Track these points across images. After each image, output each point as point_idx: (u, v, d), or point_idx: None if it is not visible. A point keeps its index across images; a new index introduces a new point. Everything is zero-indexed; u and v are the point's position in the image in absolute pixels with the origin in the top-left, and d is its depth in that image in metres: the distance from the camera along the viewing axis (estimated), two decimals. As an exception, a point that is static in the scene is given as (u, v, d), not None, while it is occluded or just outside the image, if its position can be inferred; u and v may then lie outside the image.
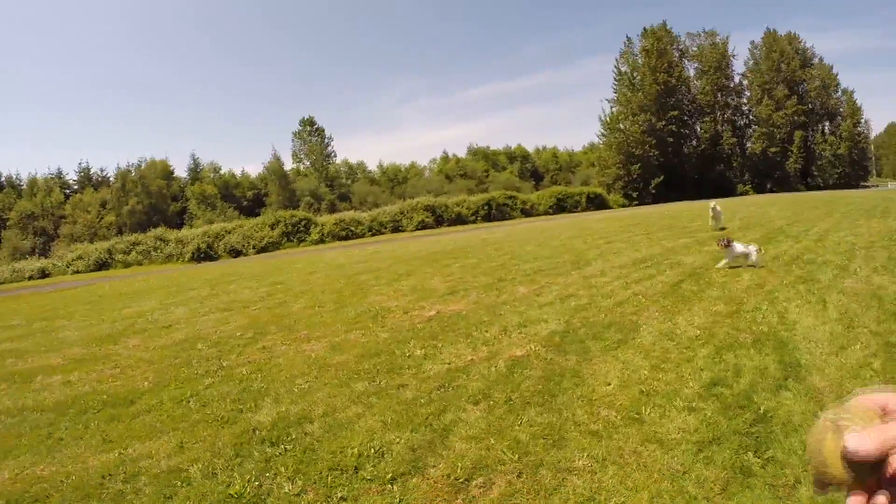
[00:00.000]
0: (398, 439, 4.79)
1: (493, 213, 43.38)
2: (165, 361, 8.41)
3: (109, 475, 4.75)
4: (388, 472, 4.27)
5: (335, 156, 64.58)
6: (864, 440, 0.81)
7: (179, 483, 4.48)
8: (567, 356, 6.42)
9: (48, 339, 11.29)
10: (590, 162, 70.93)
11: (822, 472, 0.85)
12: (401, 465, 4.34)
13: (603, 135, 63.79)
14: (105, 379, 7.83)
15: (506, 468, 4.10)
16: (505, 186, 56.25)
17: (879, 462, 0.81)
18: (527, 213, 45.97)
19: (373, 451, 4.64)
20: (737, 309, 7.78)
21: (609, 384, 5.45)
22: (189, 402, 6.42)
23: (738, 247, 10.63)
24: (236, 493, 4.22)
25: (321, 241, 34.91)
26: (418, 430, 4.93)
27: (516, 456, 4.25)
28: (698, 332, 6.93)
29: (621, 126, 61.74)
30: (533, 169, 77.37)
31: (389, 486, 4.09)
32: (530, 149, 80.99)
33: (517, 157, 78.31)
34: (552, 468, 4.04)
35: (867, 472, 0.82)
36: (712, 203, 14.70)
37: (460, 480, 4.02)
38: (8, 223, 45.64)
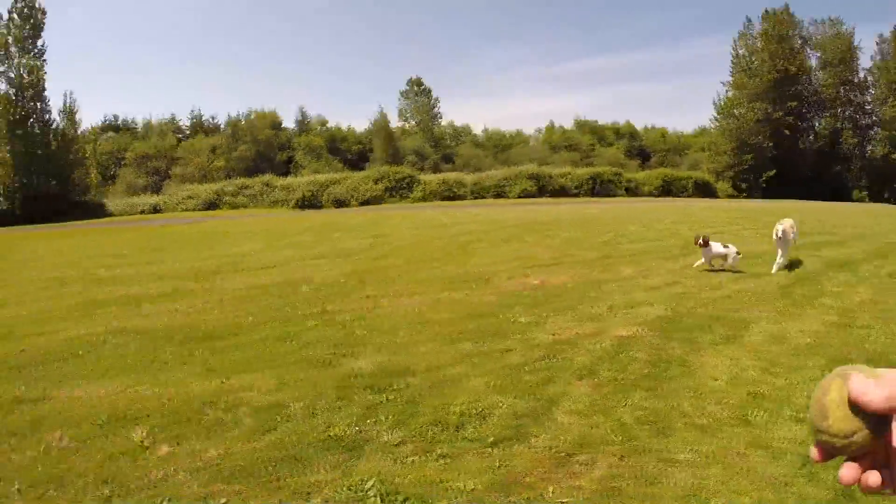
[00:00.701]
0: (501, 404, 4.72)
1: (598, 188, 42.52)
2: (269, 300, 8.71)
3: (210, 402, 4.93)
4: (490, 435, 4.20)
5: (441, 117, 64.74)
6: (870, 385, 0.78)
7: (279, 418, 4.56)
8: (674, 344, 6.15)
9: (156, 269, 12.05)
10: (699, 146, 67.03)
11: (820, 427, 0.82)
12: (503, 431, 4.27)
13: (716, 119, 60.25)
14: (209, 311, 8.22)
15: (609, 449, 3.98)
16: (610, 163, 54.34)
17: (881, 425, 0.78)
18: (631, 192, 44.56)
19: (475, 411, 4.59)
20: (849, 323, 7.06)
21: (717, 379, 5.20)
22: (291, 341, 6.58)
23: (717, 247, 9.83)
24: (335, 436, 4.24)
25: (423, 199, 35.33)
26: (522, 397, 4.85)
27: (620, 438, 4.12)
28: (809, 340, 6.36)
29: (735, 112, 58.02)
30: (640, 148, 74.30)
31: (490, 449, 4.02)
32: (638, 126, 77.73)
33: (624, 133, 75.53)
34: (655, 456, 3.88)
35: (867, 435, 0.79)
36: (780, 226, 9.79)
37: (562, 454, 3.92)
38: (124, 162, 49.21)
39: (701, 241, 9.71)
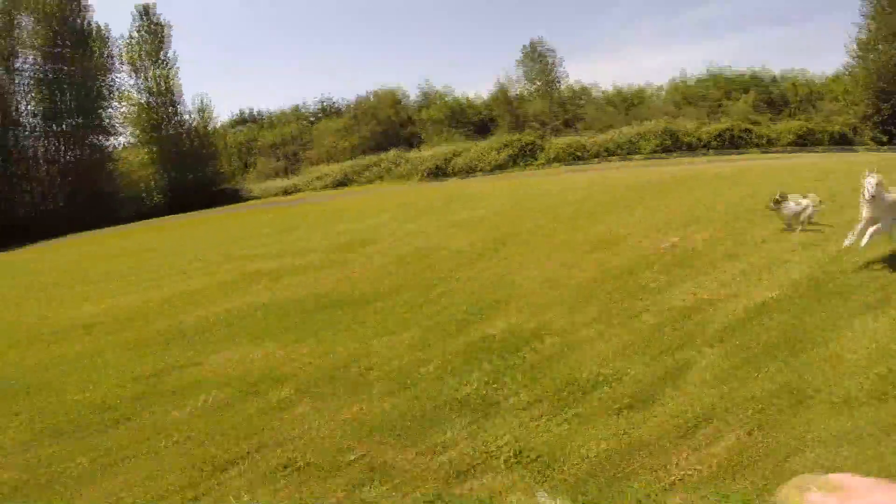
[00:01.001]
0: (632, 369, 4.63)
1: (728, 144, 39.89)
2: (405, 268, 9.06)
3: (350, 364, 5.27)
4: (620, 399, 4.15)
5: (564, 78, 62.78)
6: None
7: (414, 379, 4.77)
8: (811, 312, 5.61)
9: (295, 245, 12.82)
10: (833, 95, 59.72)
11: None
12: (633, 395, 4.20)
13: (852, 64, 53.02)
14: (348, 280, 8.70)
15: (738, 422, 3.78)
16: (740, 116, 50.28)
17: None
18: (763, 147, 41.31)
19: (605, 375, 4.54)
20: None
21: (855, 353, 4.70)
22: (426, 306, 6.85)
23: (791, 206, 8.14)
24: (468, 395, 4.36)
25: (550, 163, 34.96)
26: (653, 362, 4.72)
27: (749, 411, 3.89)
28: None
29: (872, 56, 50.71)
30: (771, 99, 67.49)
31: (618, 414, 3.98)
32: (770, 75, 70.74)
33: (754, 84, 68.94)
34: (785, 433, 3.63)
35: None
36: (871, 179, 6.81)
37: (690, 425, 3.79)
38: (258, 150, 52.63)
39: (773, 202, 8.41)
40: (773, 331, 5.20)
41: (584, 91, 61.90)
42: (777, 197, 8.35)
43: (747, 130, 41.92)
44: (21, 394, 5.96)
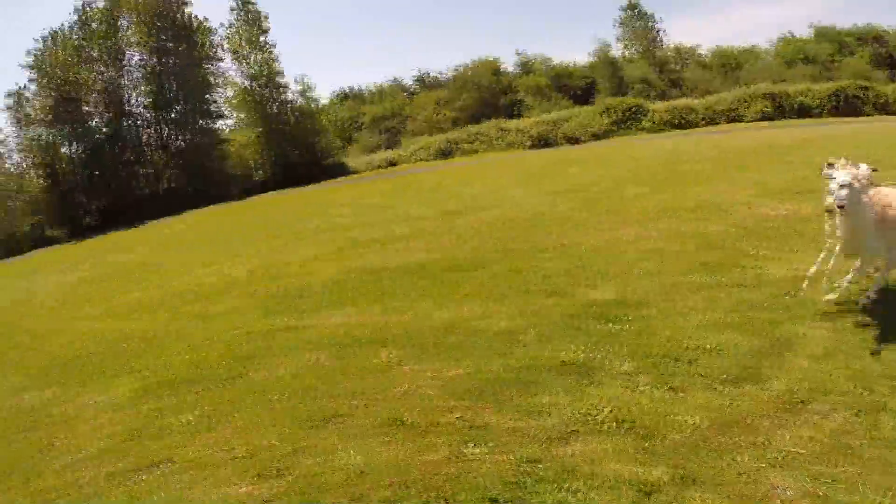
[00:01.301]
0: (735, 341, 4.48)
1: (842, 105, 36.40)
2: (506, 235, 9.10)
3: (451, 328, 5.40)
4: (723, 372, 4.05)
5: (665, 40, 59.70)
6: None
7: (514, 344, 4.83)
8: None
9: (400, 214, 13.12)
10: None
11: None
12: (736, 369, 4.09)
13: None
14: (450, 248, 8.87)
15: (845, 401, 3.61)
16: (854, 75, 45.66)
17: None
18: (882, 107, 37.24)
19: (708, 347, 4.43)
20: None
21: None
22: (528, 273, 6.86)
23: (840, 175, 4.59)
24: (568, 361, 4.37)
25: (654, 129, 33.63)
26: (757, 335, 4.55)
27: (859, 391, 3.71)
28: None
29: None
30: (888, 55, 60.42)
31: (723, 386, 3.89)
32: (885, 29, 63.17)
33: (869, 38, 61.95)
34: (895, 416, 3.43)
35: None
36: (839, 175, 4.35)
37: (795, 401, 3.65)
38: (361, 125, 54.06)
39: (826, 168, 5.69)
40: (885, 305, 4.88)
41: (687, 52, 58.65)
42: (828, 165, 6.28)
43: (864, 88, 38.14)
44: (135, 352, 6.61)
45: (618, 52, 57.53)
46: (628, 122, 34.52)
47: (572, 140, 33.21)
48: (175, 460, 3.87)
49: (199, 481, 3.55)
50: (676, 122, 34.65)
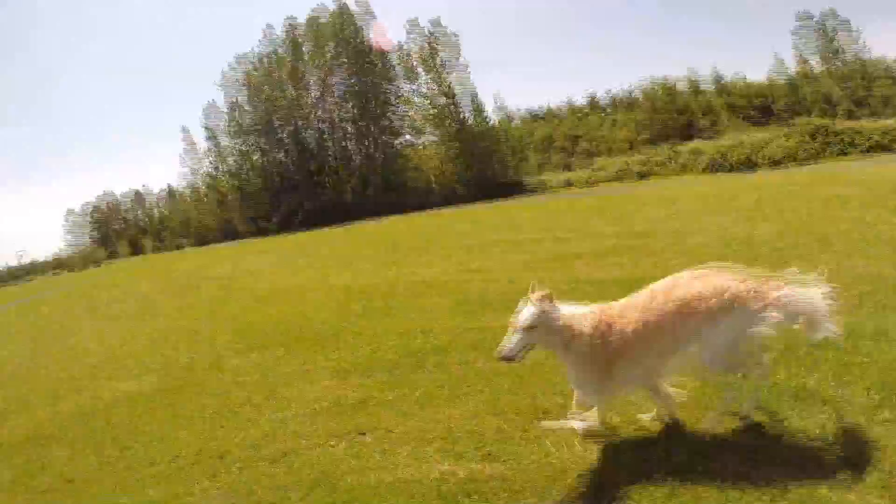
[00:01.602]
0: None
1: None
2: (705, 254, 8.72)
3: None
4: None
5: (848, 51, 52.15)
6: None
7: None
8: None
9: (584, 229, 13.33)
10: None
11: None
12: None
13: None
14: (643, 265, 8.90)
15: None
16: None
17: None
18: None
19: None
20: None
21: None
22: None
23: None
24: (810, 389, 4.11)
25: (867, 152, 28.70)
26: None
27: None
28: None
29: None
30: None
31: None
32: None
33: None
34: None
35: None
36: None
37: None
38: (539, 143, 54.75)
39: None
40: None
41: (873, 65, 50.46)
42: None
43: None
44: (332, 339, 7.52)
45: (810, 65, 52.10)
46: (832, 144, 30.25)
47: (749, 166, 30.40)
48: (393, 430, 4.56)
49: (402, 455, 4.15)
50: (886, 143, 29.54)
